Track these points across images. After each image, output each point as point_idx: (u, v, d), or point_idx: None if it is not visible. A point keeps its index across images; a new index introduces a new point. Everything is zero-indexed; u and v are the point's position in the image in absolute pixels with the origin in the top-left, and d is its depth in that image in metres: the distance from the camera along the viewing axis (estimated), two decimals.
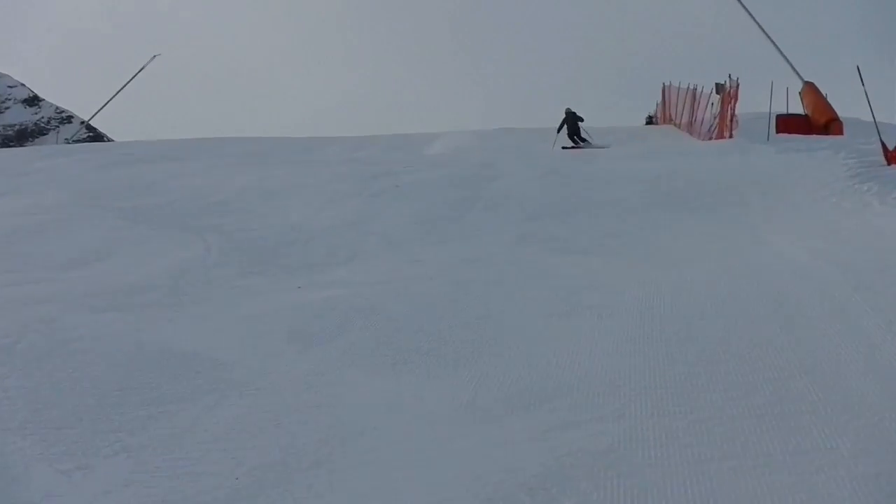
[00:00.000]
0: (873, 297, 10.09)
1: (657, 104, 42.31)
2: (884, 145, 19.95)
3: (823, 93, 30.57)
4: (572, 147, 31.86)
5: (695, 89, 33.19)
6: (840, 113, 28.94)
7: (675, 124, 35.45)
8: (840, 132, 27.52)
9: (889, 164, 19.21)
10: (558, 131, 32.95)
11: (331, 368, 8.62)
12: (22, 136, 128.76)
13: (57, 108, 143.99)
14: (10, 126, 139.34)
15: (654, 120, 42.68)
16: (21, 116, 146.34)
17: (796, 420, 7.09)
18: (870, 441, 6.71)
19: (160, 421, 7.37)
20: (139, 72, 44.78)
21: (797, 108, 30.48)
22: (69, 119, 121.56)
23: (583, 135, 33.00)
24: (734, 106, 29.07)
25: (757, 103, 30.11)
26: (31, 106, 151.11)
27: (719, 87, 30.05)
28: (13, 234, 15.38)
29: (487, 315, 10.32)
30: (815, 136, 27.27)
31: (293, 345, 9.37)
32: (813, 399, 7.50)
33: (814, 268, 11.95)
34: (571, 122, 33.04)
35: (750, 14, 34.75)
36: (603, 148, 30.44)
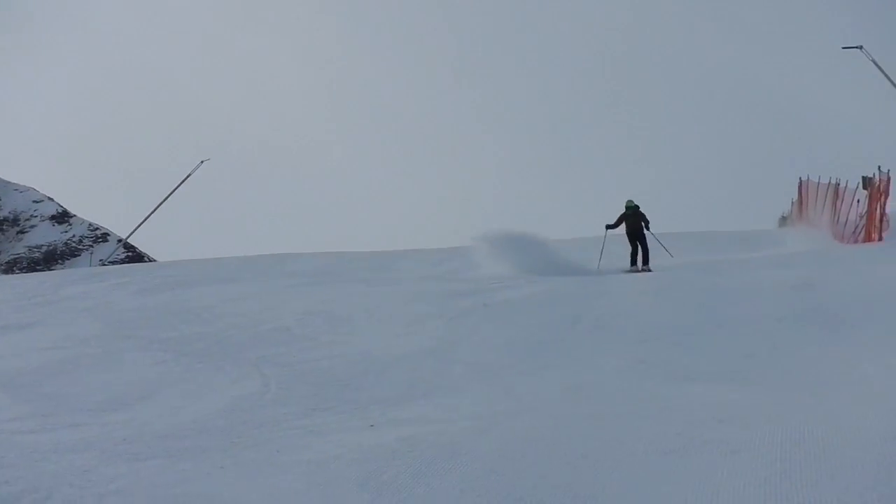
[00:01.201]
0: None
1: (793, 202, 41.95)
2: None
3: None
4: (631, 269, 28.12)
5: (837, 184, 32.92)
6: None
7: (813, 225, 35.05)
8: None
9: None
10: (608, 228, 29.19)
11: None
12: (50, 258, 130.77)
13: (90, 224, 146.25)
14: (37, 247, 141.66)
15: (789, 220, 42.32)
16: (49, 235, 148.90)
17: None
18: None
19: None
20: (185, 180, 45.61)
21: None
22: (104, 237, 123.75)
23: (648, 249, 28.55)
24: (885, 203, 28.80)
25: None
26: (60, 223, 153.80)
27: (867, 181, 29.78)
28: (41, 371, 15.55)
29: (591, 455, 10.23)
30: None
31: (365, 494, 9.32)
32: None
33: None
34: (634, 222, 28.40)
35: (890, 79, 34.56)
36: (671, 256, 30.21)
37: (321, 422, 12.11)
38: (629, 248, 29.11)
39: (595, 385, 13.47)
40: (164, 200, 45.47)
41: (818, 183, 35.74)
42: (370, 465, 10.14)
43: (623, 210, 28.61)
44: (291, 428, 11.83)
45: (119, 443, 11.29)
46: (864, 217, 29.04)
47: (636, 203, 28.18)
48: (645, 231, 28.19)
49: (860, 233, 29.01)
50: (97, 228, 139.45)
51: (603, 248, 29.24)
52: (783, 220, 42.77)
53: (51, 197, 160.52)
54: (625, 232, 28.62)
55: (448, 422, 11.81)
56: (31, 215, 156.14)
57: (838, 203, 31.90)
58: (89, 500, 9.24)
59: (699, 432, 10.85)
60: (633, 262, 27.99)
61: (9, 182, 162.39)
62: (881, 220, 28.27)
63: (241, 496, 9.31)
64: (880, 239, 27.62)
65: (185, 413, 12.71)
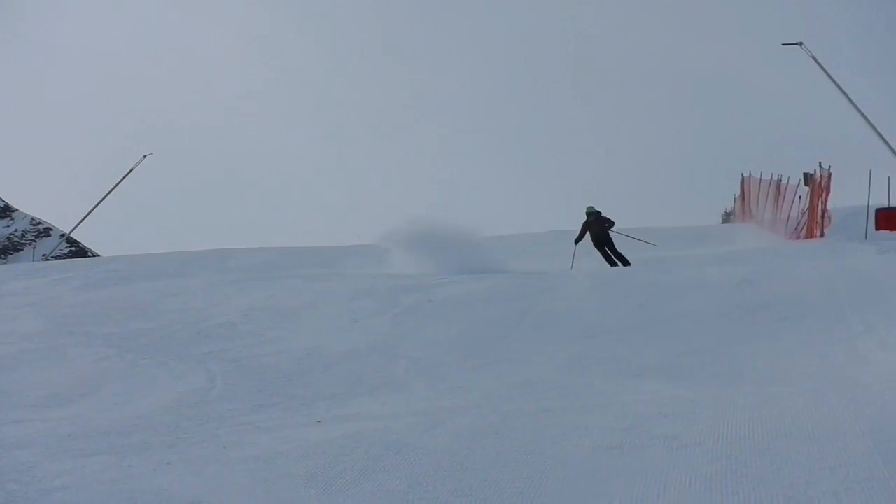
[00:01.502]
0: None
1: (735, 198, 42.19)
2: None
3: None
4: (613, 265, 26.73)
5: (779, 180, 33.16)
6: None
7: (755, 221, 35.30)
8: None
9: None
10: (576, 242, 27.16)
11: None
12: None
13: (33, 218, 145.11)
14: None
15: (731, 216, 42.54)
16: None
17: None
18: None
19: None
20: (127, 174, 45.32)
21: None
22: (47, 232, 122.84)
23: (617, 248, 26.86)
24: (826, 199, 29.08)
25: (853, 196, 30.08)
26: (1, 218, 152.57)
27: (808, 178, 30.04)
28: None
29: (538, 451, 10.32)
30: None
31: (311, 489, 9.36)
32: None
33: None
34: (598, 229, 26.56)
35: (843, 92, 34.89)
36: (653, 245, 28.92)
37: (267, 417, 12.14)
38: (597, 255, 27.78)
39: (541, 380, 13.54)
40: (108, 194, 45.22)
41: (760, 179, 36.00)
42: (317, 461, 10.18)
43: (584, 218, 26.81)
44: (238, 424, 11.85)
45: (64, 439, 11.28)
46: (806, 213, 29.29)
47: (597, 209, 26.37)
48: (611, 234, 26.49)
49: (802, 229, 29.25)
50: (40, 223, 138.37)
51: (574, 258, 27.31)
52: (727, 216, 43.05)
53: None
54: (592, 243, 26.81)
55: (395, 418, 11.86)
56: None
57: (780, 199, 32.11)
58: (34, 496, 9.24)
59: (645, 427, 10.94)
60: (612, 264, 26.45)
61: None
62: (822, 217, 28.52)
63: (189, 492, 9.31)
64: (822, 235, 27.85)
65: (130, 409, 12.69)
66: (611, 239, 25.55)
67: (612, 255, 25.58)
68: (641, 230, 32.53)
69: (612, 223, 26.30)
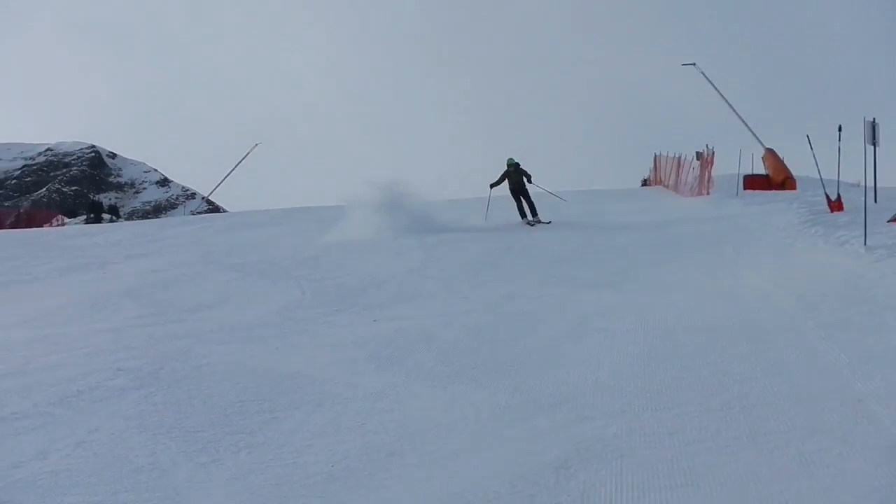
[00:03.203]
0: (817, 316, 10.26)
1: (650, 169, 41.98)
2: (827, 197, 20.08)
3: (780, 156, 30.37)
4: (524, 221, 21.81)
5: (679, 157, 33.03)
6: (794, 172, 28.82)
7: (664, 185, 35.16)
8: (794, 188, 27.47)
9: (831, 211, 19.32)
10: (492, 186, 21.68)
11: (400, 382, 8.77)
12: (157, 210, 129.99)
13: (183, 187, 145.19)
14: (148, 202, 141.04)
15: (648, 182, 42.31)
16: (155, 195, 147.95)
17: (756, 411, 7.26)
18: (815, 425, 6.87)
19: (272, 425, 7.59)
20: (243, 159, 45.31)
21: (760, 169, 30.33)
22: (193, 195, 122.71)
23: (533, 202, 21.57)
24: (710, 170, 29.11)
25: (728, 166, 30.00)
26: (162, 186, 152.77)
27: (699, 155, 29.99)
28: (154, 285, 15.65)
29: (519, 338, 10.46)
30: (774, 191, 27.34)
31: (370, 365, 9.49)
32: (769, 394, 7.66)
33: (773, 294, 12.08)
34: (517, 179, 21.13)
35: (724, 98, 34.66)
36: (564, 201, 24.92)
37: (340, 318, 12.19)
38: (513, 205, 22.48)
39: (521, 292, 13.58)
40: (232, 171, 45.13)
41: (666, 156, 35.89)
42: (374, 346, 10.28)
43: (505, 168, 21.34)
44: (321, 322, 11.92)
45: (207, 332, 11.41)
46: (698, 179, 29.28)
47: (517, 160, 21.24)
48: (528, 185, 21.29)
49: (695, 189, 29.21)
50: (188, 189, 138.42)
51: (489, 205, 22.58)
52: (644, 182, 42.73)
53: (155, 168, 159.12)
54: (508, 190, 21.32)
55: (425, 318, 11.92)
56: (143, 181, 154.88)
57: (680, 170, 32.05)
58: (188, 371, 9.36)
59: (590, 323, 11.05)
60: (522, 215, 21.44)
61: (126, 158, 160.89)
62: (708, 181, 28.52)
63: (290, 367, 9.42)
64: (708, 193, 27.84)
65: (250, 313, 12.78)
66: (527, 190, 20.66)
67: (526, 204, 20.76)
68: (584, 192, 32.35)
69: (529, 176, 21.05)
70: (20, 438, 7.35)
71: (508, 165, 20.09)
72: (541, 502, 5.84)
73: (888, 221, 15.34)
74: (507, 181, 20.15)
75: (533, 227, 21.69)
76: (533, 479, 6.19)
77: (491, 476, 6.27)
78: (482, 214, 23.56)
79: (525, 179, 20.75)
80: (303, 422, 7.65)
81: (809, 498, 5.71)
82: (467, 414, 7.70)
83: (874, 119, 15.85)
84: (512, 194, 20.25)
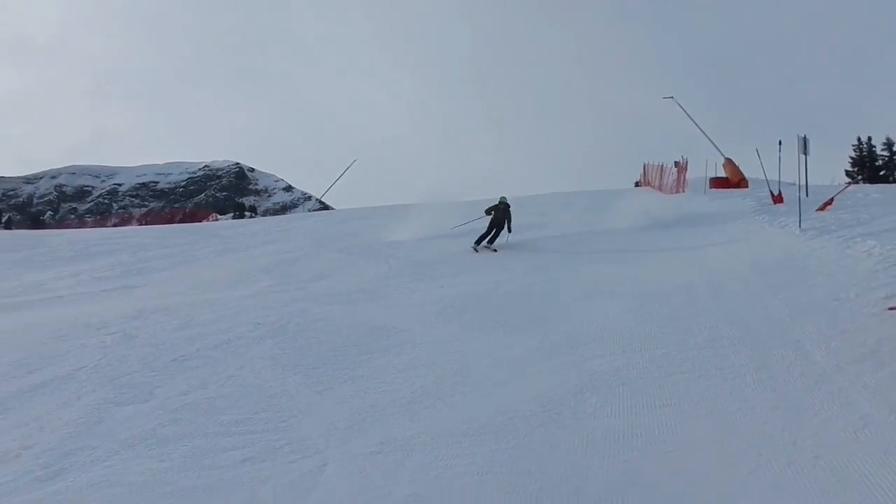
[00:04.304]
0: (766, 278, 10.16)
1: (640, 174, 41.23)
2: (771, 193, 19.95)
3: (736, 163, 29.63)
4: (475, 248, 16.12)
5: (662, 165, 32.42)
6: (746, 174, 28.17)
7: (651, 186, 34.51)
8: (746, 187, 26.79)
9: (774, 203, 19.12)
10: (485, 212, 16.87)
11: (460, 332, 8.86)
12: (283, 209, 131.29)
13: (302, 191, 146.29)
14: (276, 203, 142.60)
15: (639, 183, 41.53)
16: (282, 198, 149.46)
17: (722, 350, 7.25)
18: (765, 360, 6.84)
19: (368, 363, 7.75)
20: (345, 171, 45.22)
21: (721, 173, 29.64)
22: (309, 198, 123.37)
23: (495, 237, 16.38)
24: (685, 174, 28.68)
25: (698, 171, 29.47)
26: (287, 191, 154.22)
27: (676, 163, 29.47)
28: (282, 263, 15.79)
29: (546, 299, 10.47)
30: (732, 189, 26.85)
31: (439, 319, 9.57)
32: (730, 338, 7.62)
33: (732, 262, 11.96)
34: (501, 216, 16.54)
35: (694, 121, 33.51)
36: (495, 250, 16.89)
37: (418, 285, 12.25)
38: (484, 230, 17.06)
39: (547, 266, 13.52)
40: (336, 181, 45.12)
41: (652, 164, 35.26)
42: (442, 304, 10.39)
43: (497, 203, 16.80)
44: (402, 289, 11.97)
45: (321, 297, 11.54)
46: (675, 181, 28.81)
47: (508, 201, 16.98)
48: (505, 227, 16.50)
49: (674, 189, 28.74)
50: (306, 193, 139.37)
51: (469, 221, 18.47)
52: (637, 184, 41.88)
53: (282, 178, 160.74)
54: (490, 219, 16.59)
55: (477, 284, 11.96)
56: (273, 188, 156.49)
57: (663, 175, 31.45)
58: (307, 325, 9.51)
59: (597, 287, 11.01)
60: (478, 241, 16.30)
61: (261, 171, 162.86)
62: (683, 183, 28.07)
63: (381, 321, 9.52)
64: (684, 191, 27.38)
65: (351, 282, 12.85)
66: (503, 228, 16.23)
67: (491, 236, 16.25)
68: (591, 192, 31.63)
69: (511, 223, 16.61)
70: (187, 374, 7.60)
71: (500, 202, 16.73)
72: (565, 418, 5.95)
73: (816, 210, 15.11)
74: (493, 213, 16.41)
75: (562, 216, 21.18)
76: (558, 401, 6.29)
77: (528, 399, 6.38)
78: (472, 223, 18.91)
79: (507, 221, 16.53)
80: (390, 360, 7.77)
81: (761, 411, 5.73)
82: (507, 354, 7.77)
83: (805, 135, 15.84)
84: (490, 224, 16.31)
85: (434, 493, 4.92)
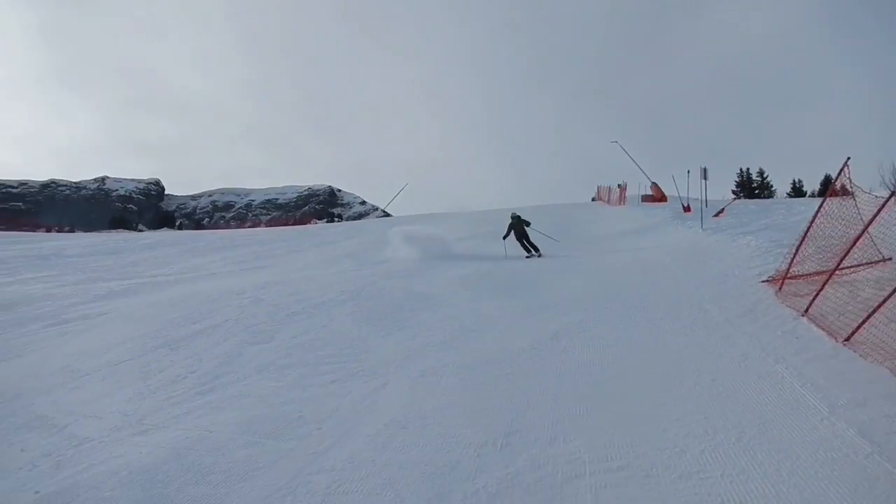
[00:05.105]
0: (682, 263, 9.95)
1: (597, 190, 40.40)
2: (682, 205, 19.49)
3: (660, 185, 28.68)
4: (527, 256, 13.60)
5: (609, 186, 31.75)
6: (666, 193, 27.32)
7: (603, 201, 33.72)
8: (666, 201, 25.98)
9: (685, 212, 18.64)
10: (504, 238, 14.22)
11: (477, 297, 8.73)
12: (359, 217, 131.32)
13: (373, 205, 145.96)
14: (355, 213, 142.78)
15: (594, 199, 40.51)
16: (358, 209, 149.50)
17: (649, 309, 7.17)
18: (678, 315, 6.77)
19: (415, 317, 7.72)
20: (397, 195, 45.03)
21: (648, 192, 28.72)
22: (376, 209, 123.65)
23: (532, 240, 14.09)
24: (625, 192, 28.05)
25: (634, 190, 28.65)
26: (362, 205, 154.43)
27: (619, 185, 28.82)
28: (358, 251, 15.63)
29: (534, 278, 10.28)
30: (656, 203, 26.22)
31: (462, 288, 9.42)
32: (655, 300, 7.54)
33: (656, 251, 11.69)
34: (519, 228, 14.28)
35: (632, 159, 32.92)
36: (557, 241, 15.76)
37: (447, 266, 11.75)
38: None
39: (537, 260, 13.27)
40: (392, 200, 44.61)
41: (604, 185, 34.47)
42: (464, 280, 10.19)
43: (509, 221, 14.42)
44: (437, 268, 11.53)
45: (381, 273, 11.18)
46: (619, 197, 28.01)
47: (518, 214, 14.70)
48: (527, 229, 14.27)
49: (617, 203, 28.04)
50: (375, 206, 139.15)
51: (505, 247, 14.12)
52: (593, 199, 40.76)
53: (359, 195, 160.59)
54: (515, 236, 14.09)
55: (489, 265, 11.76)
56: (353, 202, 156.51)
57: (610, 192, 30.57)
58: (375, 293, 9.22)
59: (569, 269, 10.83)
60: (528, 252, 13.87)
61: (345, 190, 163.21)
62: (623, 198, 27.21)
63: (423, 289, 9.35)
64: (624, 204, 26.63)
65: (403, 265, 12.30)
66: (527, 233, 14.04)
67: (528, 244, 14.01)
68: (555, 204, 30.67)
69: (528, 222, 14.48)
70: (296, 324, 7.67)
71: (511, 218, 14.29)
72: (545, 354, 5.96)
73: (713, 217, 14.97)
74: (512, 232, 13.95)
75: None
76: (541, 342, 6.29)
77: (519, 340, 6.39)
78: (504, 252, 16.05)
79: (524, 225, 14.21)
80: (430, 316, 7.74)
81: (675, 349, 5.71)
82: (507, 312, 7.73)
83: (705, 167, 15.89)
84: (517, 239, 13.83)
85: (457, 402, 5.01)
